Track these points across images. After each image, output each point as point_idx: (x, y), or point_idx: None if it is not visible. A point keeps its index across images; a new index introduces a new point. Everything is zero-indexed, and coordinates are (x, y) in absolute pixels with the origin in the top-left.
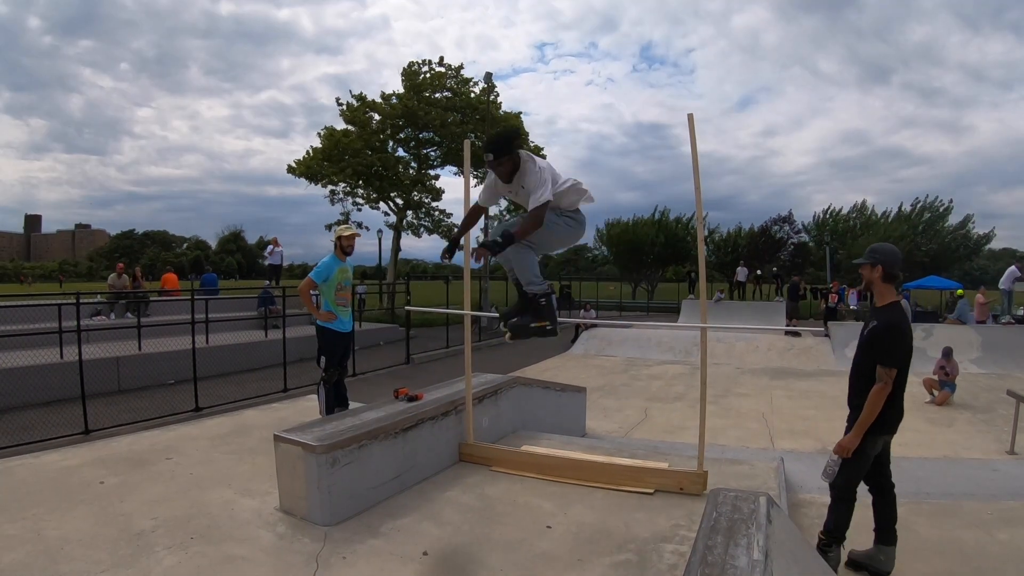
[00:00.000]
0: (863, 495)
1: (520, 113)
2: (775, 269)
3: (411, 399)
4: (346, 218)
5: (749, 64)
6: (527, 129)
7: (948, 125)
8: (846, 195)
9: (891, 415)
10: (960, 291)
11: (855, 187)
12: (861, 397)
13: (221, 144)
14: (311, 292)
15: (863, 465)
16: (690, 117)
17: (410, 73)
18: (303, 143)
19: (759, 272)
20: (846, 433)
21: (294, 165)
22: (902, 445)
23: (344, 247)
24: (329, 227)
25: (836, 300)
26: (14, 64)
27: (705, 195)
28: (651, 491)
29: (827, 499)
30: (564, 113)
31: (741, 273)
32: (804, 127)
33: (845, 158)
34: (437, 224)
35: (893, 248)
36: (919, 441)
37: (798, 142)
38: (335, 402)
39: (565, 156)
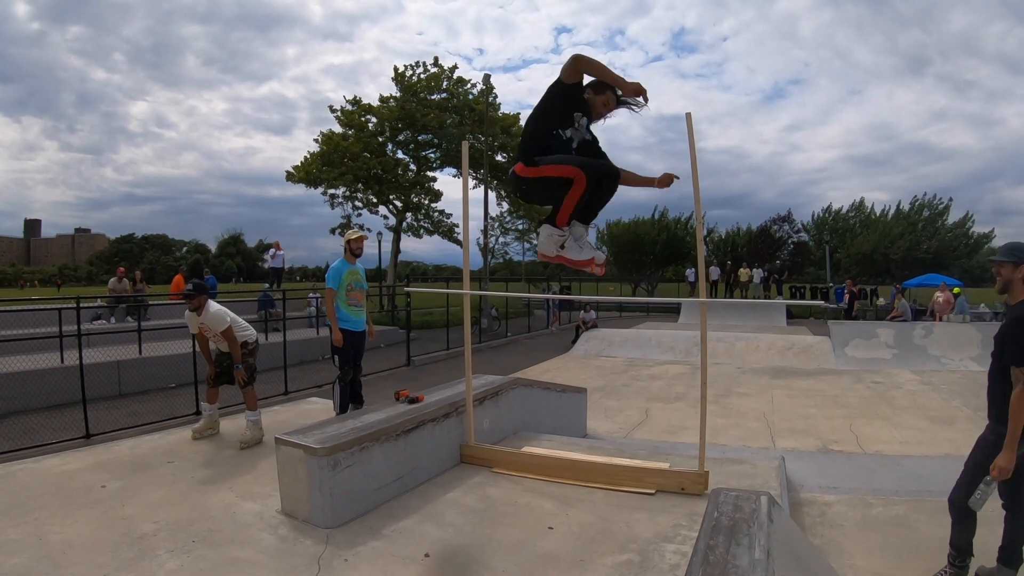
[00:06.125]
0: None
1: (519, 114)
2: (767, 267)
3: (412, 401)
4: (348, 221)
5: (786, 52)
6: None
7: (978, 119)
8: (864, 192)
9: None
10: (958, 289)
11: (874, 184)
12: (998, 405)
13: (219, 141)
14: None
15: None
16: (688, 116)
17: (400, 77)
18: (306, 140)
19: (728, 267)
20: (977, 445)
21: (292, 171)
22: (903, 443)
23: (353, 249)
24: (333, 231)
25: (849, 299)
26: (1, 55)
27: (719, 192)
28: (652, 491)
29: (828, 498)
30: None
31: (714, 272)
32: (830, 121)
33: (868, 153)
34: (437, 225)
35: None
36: (920, 439)
37: (822, 136)
38: (350, 400)
39: None
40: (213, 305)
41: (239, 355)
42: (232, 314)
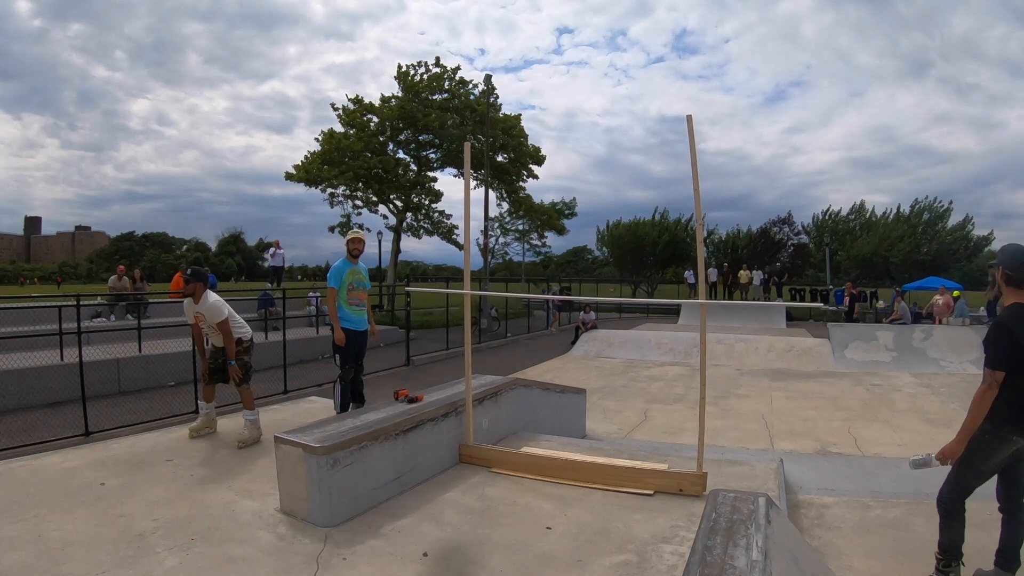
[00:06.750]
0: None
1: (520, 115)
2: (767, 269)
3: (411, 400)
4: (347, 220)
5: (788, 54)
6: (537, 125)
7: (979, 122)
8: (865, 195)
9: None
10: (957, 292)
11: (875, 187)
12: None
13: (220, 140)
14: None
15: (972, 475)
16: (689, 119)
17: (403, 75)
18: (307, 139)
19: (727, 268)
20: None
21: (293, 171)
22: (901, 446)
23: (350, 250)
24: (332, 229)
25: (849, 302)
26: (1, 51)
27: (719, 194)
28: (651, 492)
29: (826, 500)
30: (582, 106)
31: (712, 274)
32: (831, 123)
33: (869, 156)
34: (437, 226)
35: (1016, 248)
36: (918, 442)
37: (823, 138)
38: (351, 399)
39: (580, 153)
40: (212, 295)
41: (233, 350)
42: (230, 308)
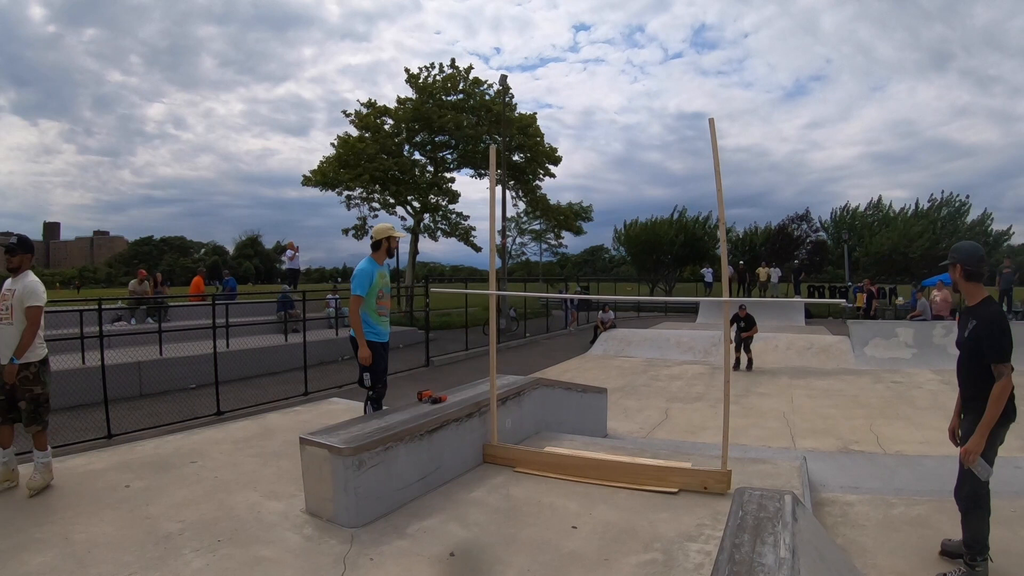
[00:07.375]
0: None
1: (535, 113)
2: (786, 266)
3: (435, 401)
4: (363, 222)
5: (807, 48)
6: (555, 124)
7: (1001, 115)
8: (885, 190)
9: (1010, 407)
10: None
11: (895, 181)
12: (976, 400)
13: (237, 143)
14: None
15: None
16: (711, 122)
17: (414, 79)
18: (323, 141)
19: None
20: (960, 442)
21: (309, 175)
22: (923, 443)
23: (387, 249)
24: (346, 232)
25: (865, 300)
26: (16, 57)
27: (739, 191)
28: (675, 490)
29: (849, 498)
30: (600, 104)
31: (708, 275)
32: (852, 118)
33: (889, 151)
34: (454, 227)
35: (971, 245)
36: (940, 439)
37: (843, 133)
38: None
39: (598, 151)
40: (35, 277)
41: (27, 345)
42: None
